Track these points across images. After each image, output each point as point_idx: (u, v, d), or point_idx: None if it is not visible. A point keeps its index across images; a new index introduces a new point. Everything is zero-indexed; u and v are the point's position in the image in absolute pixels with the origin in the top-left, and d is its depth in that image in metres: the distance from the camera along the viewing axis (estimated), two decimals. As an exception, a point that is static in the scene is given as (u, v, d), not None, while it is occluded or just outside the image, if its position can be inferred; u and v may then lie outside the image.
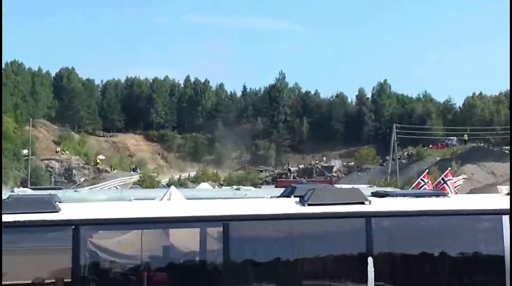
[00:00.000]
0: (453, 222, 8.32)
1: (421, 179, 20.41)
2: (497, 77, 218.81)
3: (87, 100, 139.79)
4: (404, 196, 8.65)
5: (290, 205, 8.15)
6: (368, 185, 26.09)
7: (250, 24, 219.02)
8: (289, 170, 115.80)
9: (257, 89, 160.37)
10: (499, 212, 8.21)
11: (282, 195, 9.31)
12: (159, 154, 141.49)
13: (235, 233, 7.76)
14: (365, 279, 7.84)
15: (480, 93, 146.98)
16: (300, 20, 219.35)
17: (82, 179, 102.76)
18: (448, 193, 10.30)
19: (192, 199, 11.88)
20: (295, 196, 8.64)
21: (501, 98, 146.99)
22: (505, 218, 8.11)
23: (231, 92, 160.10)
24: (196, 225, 8.12)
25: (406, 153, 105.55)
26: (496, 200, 8.74)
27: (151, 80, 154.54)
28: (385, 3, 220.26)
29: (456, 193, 21.74)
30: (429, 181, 20.48)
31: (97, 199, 14.53)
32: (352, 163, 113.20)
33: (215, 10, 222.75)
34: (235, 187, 18.76)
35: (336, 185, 21.86)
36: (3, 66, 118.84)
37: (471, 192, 53.52)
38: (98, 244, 8.11)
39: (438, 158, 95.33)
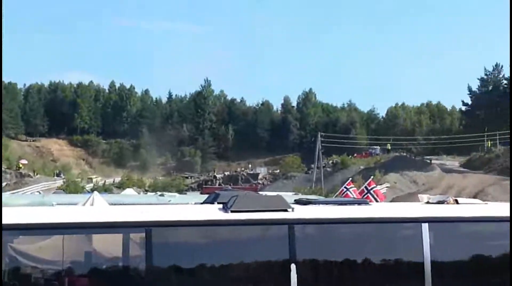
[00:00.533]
0: (374, 229, 8.41)
1: (345, 187, 20.66)
2: (419, 89, 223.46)
3: (9, 104, 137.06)
4: (327, 204, 8.73)
5: (213, 212, 8.14)
6: (293, 193, 26.29)
7: (176, 30, 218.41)
8: (215, 177, 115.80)
9: (182, 95, 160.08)
10: (419, 220, 8.34)
11: (205, 202, 9.28)
12: (83, 160, 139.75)
13: (158, 239, 7.70)
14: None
15: (403, 104, 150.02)
16: (227, 28, 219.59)
17: (4, 184, 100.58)
18: (370, 201, 10.43)
19: (115, 204, 11.76)
20: (218, 203, 8.63)
21: (423, 109, 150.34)
22: (425, 226, 8.24)
23: (156, 98, 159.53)
24: (119, 231, 8.01)
25: (330, 161, 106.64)
26: (416, 208, 8.90)
27: (75, 85, 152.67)
28: (313, 16, 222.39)
29: (384, 199, 22.08)
30: (354, 188, 20.75)
31: (19, 204, 14.23)
32: (278, 171, 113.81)
33: (141, 15, 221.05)
34: (159, 193, 18.70)
35: (261, 193, 21.97)
36: None
37: (393, 200, 54.49)
38: (19, 249, 7.95)
39: (362, 167, 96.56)
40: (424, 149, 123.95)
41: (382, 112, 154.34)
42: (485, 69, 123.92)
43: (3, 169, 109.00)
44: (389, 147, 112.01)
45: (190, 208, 8.89)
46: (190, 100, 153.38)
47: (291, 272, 7.87)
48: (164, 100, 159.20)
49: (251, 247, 8.15)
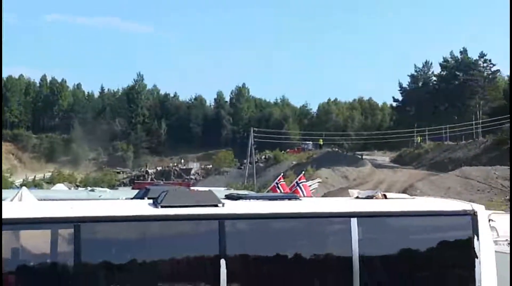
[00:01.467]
0: (304, 224, 8.46)
1: (276, 182, 20.74)
2: (351, 85, 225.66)
3: None
4: (257, 199, 8.78)
5: (143, 207, 8.10)
6: (226, 188, 26.31)
7: (108, 25, 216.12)
8: (147, 172, 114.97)
9: (115, 90, 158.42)
10: (348, 215, 8.44)
11: (135, 197, 9.22)
12: (12, 154, 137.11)
13: (87, 235, 7.62)
14: (217, 281, 7.87)
15: (335, 99, 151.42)
16: (160, 23, 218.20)
17: None
18: (300, 196, 10.51)
19: (44, 200, 11.59)
20: (148, 198, 8.59)
21: (355, 105, 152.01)
22: (353, 221, 8.34)
23: (88, 92, 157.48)
24: (47, 227, 7.90)
25: (263, 156, 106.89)
26: (345, 203, 9.00)
27: (4, 79, 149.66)
28: (241, 6, 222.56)
29: (311, 195, 22.23)
30: (284, 182, 20.85)
31: None
32: (210, 166, 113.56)
33: (73, 10, 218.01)
34: (89, 188, 18.50)
35: (193, 188, 21.92)
36: None
37: (325, 195, 54.91)
38: None
39: (294, 162, 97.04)
40: (355, 144, 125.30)
41: (314, 108, 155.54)
42: (415, 66, 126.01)
43: None
44: (321, 143, 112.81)
45: (120, 203, 8.82)
46: (122, 95, 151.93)
47: (221, 268, 7.88)
48: (97, 94, 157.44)
49: (181, 242, 8.14)
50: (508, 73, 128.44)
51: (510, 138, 67.76)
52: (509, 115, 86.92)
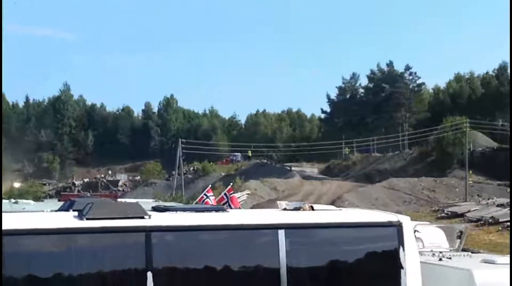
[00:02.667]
0: (232, 236, 8.43)
1: (205, 194, 20.61)
2: (280, 96, 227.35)
3: None
4: (184, 210, 8.71)
5: (68, 219, 7.94)
6: (154, 200, 26.05)
7: (34, 33, 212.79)
8: (74, 183, 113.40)
9: (40, 100, 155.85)
10: (275, 227, 8.43)
11: (60, 209, 9.05)
12: None
13: (8, 248, 7.43)
14: (144, 294, 7.78)
15: (264, 111, 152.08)
16: (83, 31, 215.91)
17: None
18: (227, 208, 10.47)
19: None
20: (73, 210, 8.44)
21: (283, 116, 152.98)
22: (281, 232, 8.33)
23: (13, 102, 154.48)
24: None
25: (192, 168, 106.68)
26: (272, 215, 8.99)
27: None
28: (173, 23, 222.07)
29: (240, 207, 22.21)
30: (213, 196, 20.73)
31: None
32: (138, 178, 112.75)
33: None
34: (13, 200, 18.08)
35: (120, 200, 21.64)
36: None
37: (254, 207, 55.11)
38: None
39: (223, 174, 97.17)
40: (284, 156, 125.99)
41: (243, 119, 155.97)
42: (343, 77, 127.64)
43: None
44: (250, 154, 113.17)
45: (44, 215, 8.61)
46: (48, 105, 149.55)
47: (148, 280, 7.79)
48: (21, 104, 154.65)
49: (107, 255, 7.98)
50: (433, 86, 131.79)
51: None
52: (432, 128, 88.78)
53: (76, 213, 8.16)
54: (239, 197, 22.68)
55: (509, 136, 68.60)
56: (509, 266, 9.45)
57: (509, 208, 54.81)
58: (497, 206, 57.09)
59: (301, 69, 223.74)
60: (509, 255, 11.28)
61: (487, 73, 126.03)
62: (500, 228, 48.64)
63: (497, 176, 75.49)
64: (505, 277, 9.25)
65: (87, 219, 7.83)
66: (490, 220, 50.72)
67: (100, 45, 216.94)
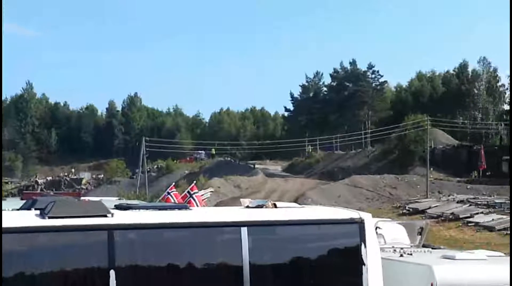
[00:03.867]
0: (195, 234, 8.44)
1: (168, 192, 20.61)
2: (243, 94, 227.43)
3: None
4: (147, 209, 8.71)
5: (29, 218, 7.90)
6: (117, 198, 25.95)
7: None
8: (37, 182, 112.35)
9: (3, 98, 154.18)
10: (238, 224, 8.47)
11: (22, 208, 9.00)
12: None
13: (-32, 249, 7.38)
14: (106, 293, 7.77)
15: (228, 109, 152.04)
16: (53, 32, 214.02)
17: None
18: (191, 206, 10.49)
19: None
20: (36, 209, 8.40)
21: (247, 114, 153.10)
22: (244, 230, 8.37)
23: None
24: None
25: (155, 166, 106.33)
26: (235, 213, 9.04)
27: None
28: (138, 22, 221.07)
29: (204, 205, 22.22)
30: (176, 192, 20.73)
31: None
32: (102, 176, 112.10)
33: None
34: (-26, 199, 17.86)
35: (84, 198, 21.51)
36: None
37: (217, 204, 54.95)
38: None
39: (187, 171, 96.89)
40: (248, 154, 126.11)
41: (207, 117, 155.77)
42: (306, 76, 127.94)
43: None
44: (214, 152, 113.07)
45: (5, 214, 8.56)
46: (11, 103, 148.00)
47: (110, 279, 7.78)
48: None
49: (70, 254, 7.95)
50: (395, 84, 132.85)
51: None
52: (394, 125, 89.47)
53: (38, 212, 8.13)
54: (202, 195, 22.61)
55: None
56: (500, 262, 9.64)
57: (468, 205, 55.51)
58: (457, 202, 57.68)
59: (264, 67, 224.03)
60: (468, 251, 11.48)
61: (447, 71, 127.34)
62: (460, 224, 49.17)
63: (457, 173, 76.38)
64: (464, 272, 9.40)
65: (49, 217, 7.80)
66: (450, 216, 51.22)
67: (63, 43, 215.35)
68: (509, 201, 54.26)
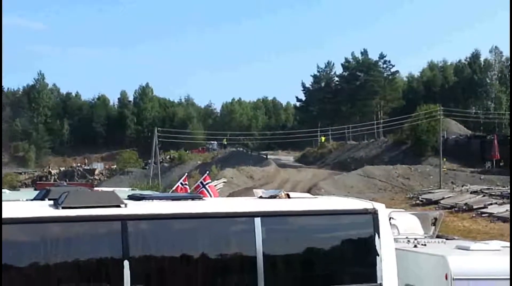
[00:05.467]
0: (208, 224, 8.44)
1: (181, 183, 20.60)
2: (255, 85, 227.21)
3: None
4: (160, 199, 8.71)
5: (43, 208, 7.92)
6: (130, 188, 25.99)
7: (5, 22, 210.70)
8: (50, 172, 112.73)
9: (15, 89, 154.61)
10: (252, 215, 8.46)
11: (36, 198, 9.01)
12: None
13: (-17, 237, 7.40)
14: (121, 282, 7.78)
15: (239, 99, 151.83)
16: (60, 23, 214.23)
17: None
18: (204, 197, 10.48)
19: None
20: (49, 199, 8.42)
21: (259, 104, 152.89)
22: (257, 220, 8.36)
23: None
24: None
25: (168, 156, 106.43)
26: (249, 203, 9.02)
27: None
28: (150, 13, 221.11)
29: (218, 195, 22.19)
30: (187, 185, 20.69)
31: None
32: (115, 166, 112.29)
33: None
34: (-13, 190, 17.88)
35: (97, 188, 21.56)
36: None
37: (230, 195, 55.03)
38: None
39: (199, 162, 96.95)
40: (260, 144, 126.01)
41: (218, 107, 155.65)
42: (317, 66, 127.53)
43: None
44: (226, 142, 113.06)
45: (19, 205, 8.57)
46: (23, 94, 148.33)
47: (124, 269, 7.79)
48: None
49: (84, 244, 7.97)
50: (407, 74, 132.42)
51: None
52: (406, 116, 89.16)
53: (51, 202, 8.14)
54: (215, 185, 22.62)
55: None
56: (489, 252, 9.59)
57: (482, 195, 55.33)
58: (471, 193, 57.50)
59: (276, 58, 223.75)
60: (482, 242, 11.44)
61: (459, 61, 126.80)
62: (473, 215, 49.02)
63: (470, 163, 76.04)
64: (478, 262, 9.37)
65: (63, 208, 7.81)
66: (464, 207, 51.08)
67: (75, 35, 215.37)
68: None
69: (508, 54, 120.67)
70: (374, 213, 8.81)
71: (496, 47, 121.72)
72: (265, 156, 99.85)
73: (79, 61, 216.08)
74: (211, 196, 17.77)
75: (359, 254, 8.81)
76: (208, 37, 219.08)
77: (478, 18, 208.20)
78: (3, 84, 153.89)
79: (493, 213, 48.06)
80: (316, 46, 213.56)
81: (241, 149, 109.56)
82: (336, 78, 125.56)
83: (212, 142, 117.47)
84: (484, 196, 55.09)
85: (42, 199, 8.68)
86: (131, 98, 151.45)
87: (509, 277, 9.14)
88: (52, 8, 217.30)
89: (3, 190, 18.01)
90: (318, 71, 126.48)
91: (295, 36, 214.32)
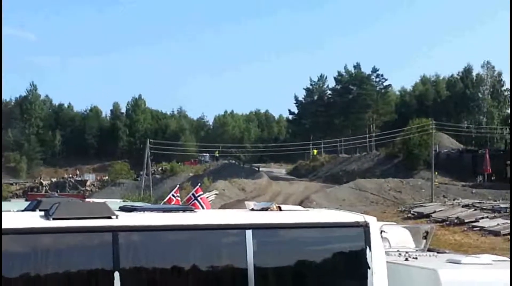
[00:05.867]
0: (199, 236, 8.41)
1: (172, 194, 20.58)
2: (247, 98, 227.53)
3: None
4: (152, 210, 8.69)
5: (33, 219, 7.88)
6: (122, 200, 25.92)
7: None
8: (41, 183, 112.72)
9: (7, 100, 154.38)
10: (243, 227, 8.44)
11: (26, 209, 8.98)
12: None
13: (-29, 250, 7.35)
14: (111, 294, 7.75)
15: (232, 112, 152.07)
16: (52, 34, 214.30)
17: None
18: (196, 209, 10.47)
19: None
20: (40, 210, 8.38)
21: (251, 117, 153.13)
22: (248, 233, 8.34)
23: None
24: None
25: (160, 168, 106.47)
26: (240, 215, 9.01)
27: None
28: (141, 24, 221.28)
29: (210, 207, 22.16)
30: (178, 197, 20.67)
31: None
32: (106, 178, 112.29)
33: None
34: (-22, 200, 17.83)
35: (88, 199, 21.50)
36: None
37: (222, 207, 55.05)
38: None
39: (191, 174, 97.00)
40: (252, 156, 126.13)
41: (211, 120, 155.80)
42: (310, 79, 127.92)
43: None
44: (218, 154, 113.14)
45: (9, 215, 8.53)
46: (15, 105, 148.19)
47: (115, 280, 7.76)
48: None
49: (74, 255, 7.93)
50: (399, 88, 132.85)
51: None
52: (399, 129, 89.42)
53: (42, 213, 8.11)
54: (207, 197, 22.58)
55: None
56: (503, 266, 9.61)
57: (474, 209, 55.45)
58: (462, 206, 57.68)
59: (268, 69, 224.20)
60: (474, 255, 11.43)
61: (452, 75, 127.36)
62: (465, 229, 49.15)
63: (462, 177, 76.36)
64: (469, 276, 9.37)
65: (54, 219, 7.78)
66: (455, 221, 51.20)
67: (67, 45, 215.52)
68: (514, 206, 54.20)
69: (500, 69, 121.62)
70: (365, 226, 8.80)
71: (488, 62, 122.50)
72: (257, 169, 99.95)
73: (72, 71, 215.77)
74: (203, 208, 17.74)
75: (350, 267, 8.79)
76: (199, 47, 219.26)
77: (471, 33, 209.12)
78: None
79: (485, 227, 48.19)
80: (309, 59, 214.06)
81: (233, 161, 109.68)
82: (329, 91, 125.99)
83: (204, 154, 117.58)
84: (475, 210, 55.26)
85: (33, 210, 8.65)
86: (123, 110, 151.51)
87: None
88: (42, 16, 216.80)
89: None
90: (311, 84, 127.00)
91: (288, 49, 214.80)
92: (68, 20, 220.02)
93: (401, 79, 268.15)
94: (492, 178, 74.60)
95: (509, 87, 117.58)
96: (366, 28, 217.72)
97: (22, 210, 9.11)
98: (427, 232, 11.91)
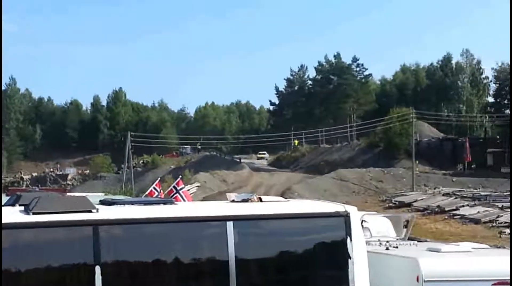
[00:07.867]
0: (180, 228, 8.42)
1: (153, 187, 20.54)
2: (228, 89, 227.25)
3: None
4: (132, 204, 8.68)
5: (13, 214, 7.85)
6: (103, 193, 25.86)
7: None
8: (22, 178, 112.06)
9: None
10: (224, 219, 8.46)
11: (6, 204, 8.94)
12: None
13: (-48, 245, 7.32)
14: (92, 288, 7.74)
15: (213, 103, 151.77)
16: (34, 27, 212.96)
17: None
18: (176, 201, 10.45)
19: None
20: (20, 205, 8.36)
21: (232, 108, 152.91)
22: (229, 224, 8.35)
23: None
24: None
25: (141, 161, 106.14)
26: (221, 207, 9.02)
27: None
28: (124, 17, 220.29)
29: (192, 200, 22.13)
30: (161, 190, 20.64)
31: None
32: (87, 171, 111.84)
33: None
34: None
35: (69, 194, 21.47)
36: None
37: (204, 199, 55.03)
38: None
39: (173, 166, 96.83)
40: (233, 148, 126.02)
41: (192, 112, 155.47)
42: (291, 69, 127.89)
43: None
44: (199, 147, 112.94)
45: (-11, 211, 8.50)
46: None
47: (96, 274, 7.75)
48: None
49: (55, 249, 7.92)
50: (379, 77, 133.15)
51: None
52: (379, 119, 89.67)
53: (22, 208, 8.09)
54: (189, 190, 22.62)
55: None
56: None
57: (454, 197, 55.80)
58: (443, 195, 58.04)
59: (250, 60, 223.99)
60: (454, 243, 11.52)
61: (431, 64, 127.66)
62: (446, 217, 49.48)
63: (443, 166, 76.77)
64: (449, 264, 9.44)
65: (34, 213, 7.76)
66: (436, 209, 51.52)
67: (45, 37, 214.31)
68: (494, 194, 54.60)
69: (479, 57, 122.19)
70: (346, 216, 8.84)
71: (467, 50, 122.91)
72: (238, 160, 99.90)
73: (51, 64, 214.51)
74: (184, 201, 17.72)
75: (331, 257, 8.83)
76: (180, 40, 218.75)
77: (450, 21, 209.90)
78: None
79: (465, 215, 48.53)
80: (289, 49, 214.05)
81: (215, 153, 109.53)
82: (310, 82, 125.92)
83: (186, 146, 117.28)
84: (456, 198, 55.63)
85: (13, 204, 8.61)
86: (104, 103, 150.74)
87: (480, 278, 9.23)
88: (23, 7, 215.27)
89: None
90: (292, 75, 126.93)
91: (268, 39, 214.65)
92: (49, 12, 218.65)
93: (381, 68, 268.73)
94: (472, 166, 75.04)
95: (489, 75, 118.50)
96: (347, 19, 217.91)
97: (2, 205, 9.06)
98: (407, 221, 12.00)
